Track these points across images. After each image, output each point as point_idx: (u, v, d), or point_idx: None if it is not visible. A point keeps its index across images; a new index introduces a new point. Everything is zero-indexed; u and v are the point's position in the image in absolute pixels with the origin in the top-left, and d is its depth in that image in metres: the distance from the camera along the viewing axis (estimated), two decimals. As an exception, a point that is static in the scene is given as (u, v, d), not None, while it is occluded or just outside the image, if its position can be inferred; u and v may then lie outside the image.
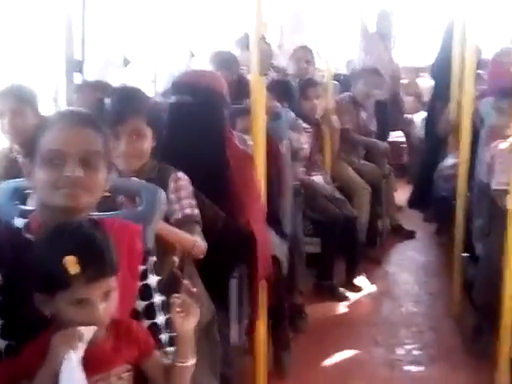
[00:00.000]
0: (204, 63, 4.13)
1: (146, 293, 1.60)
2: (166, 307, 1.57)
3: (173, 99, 2.54)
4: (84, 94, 2.97)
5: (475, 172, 3.56)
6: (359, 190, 4.63)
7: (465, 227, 3.72)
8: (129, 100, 2.24)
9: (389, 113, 5.85)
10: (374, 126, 5.14)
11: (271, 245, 2.84)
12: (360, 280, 4.34)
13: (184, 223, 2.20)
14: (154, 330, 1.59)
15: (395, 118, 6.42)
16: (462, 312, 3.70)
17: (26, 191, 1.70)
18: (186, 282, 1.56)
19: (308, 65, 4.83)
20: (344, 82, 5.29)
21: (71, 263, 1.33)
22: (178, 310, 1.46)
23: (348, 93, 5.04)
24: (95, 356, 1.39)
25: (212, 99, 2.51)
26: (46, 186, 1.47)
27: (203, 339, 2.19)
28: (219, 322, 2.33)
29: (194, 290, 1.52)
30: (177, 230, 2.14)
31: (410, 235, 5.36)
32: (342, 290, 4.18)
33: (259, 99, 2.56)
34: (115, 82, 3.47)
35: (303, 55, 4.85)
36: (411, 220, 5.60)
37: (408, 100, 7.21)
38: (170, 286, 1.67)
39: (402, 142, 7.04)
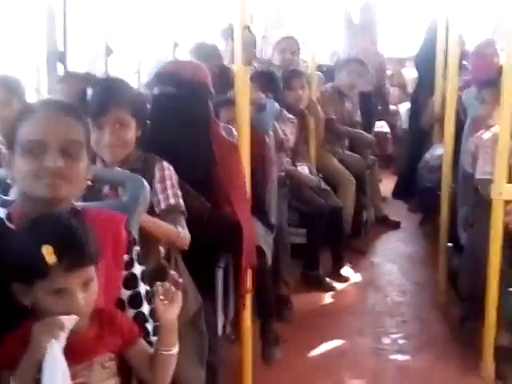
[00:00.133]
0: (186, 54, 4.11)
1: (131, 282, 1.59)
2: (152, 297, 1.56)
3: (156, 90, 2.52)
4: (68, 84, 2.95)
5: (459, 162, 3.58)
6: (344, 181, 4.64)
7: (449, 217, 3.74)
8: (111, 90, 2.23)
9: (373, 104, 5.86)
10: (358, 117, 5.14)
11: (256, 235, 2.84)
12: (345, 270, 4.35)
13: (168, 213, 2.19)
14: (140, 319, 1.59)
15: (381, 108, 6.45)
16: (447, 302, 3.73)
17: (8, 181, 1.68)
18: (172, 272, 1.56)
19: (293, 55, 4.81)
20: (328, 74, 5.28)
21: (48, 253, 1.32)
22: (161, 298, 1.46)
23: (332, 83, 5.03)
24: (78, 345, 1.38)
25: (196, 90, 2.50)
26: (27, 177, 1.45)
27: (190, 329, 2.20)
28: (206, 311, 2.33)
29: (181, 280, 1.51)
30: (160, 222, 2.13)
31: (395, 226, 5.38)
32: (328, 280, 4.19)
33: (243, 89, 2.54)
34: (99, 72, 3.44)
35: (288, 46, 4.82)
36: (396, 210, 5.63)
37: (393, 91, 7.24)
38: (156, 277, 1.67)
39: (387, 133, 7.05)
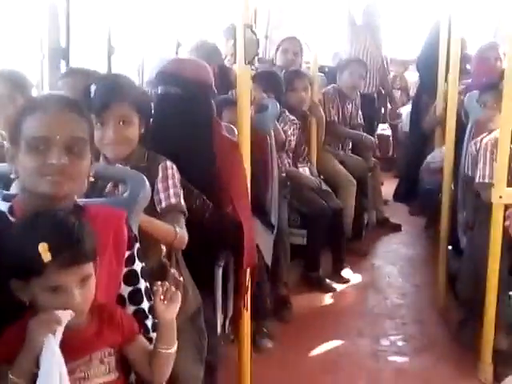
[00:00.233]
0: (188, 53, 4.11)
1: (131, 278, 1.59)
2: (152, 294, 1.56)
3: (160, 90, 2.52)
4: (71, 79, 2.94)
5: (460, 165, 3.58)
6: (344, 183, 4.63)
7: (450, 220, 3.74)
8: (115, 86, 2.22)
9: (376, 106, 5.85)
10: (360, 119, 5.13)
11: (255, 235, 2.84)
12: (346, 272, 4.36)
13: (169, 212, 2.18)
14: (140, 315, 1.59)
15: (383, 111, 6.44)
16: (447, 304, 3.73)
17: (11, 176, 1.68)
18: (173, 270, 1.56)
19: (295, 56, 4.80)
20: (329, 75, 5.28)
21: (44, 250, 1.33)
22: (160, 297, 1.46)
23: (334, 85, 5.03)
24: (77, 340, 1.39)
25: (200, 90, 2.49)
26: (32, 173, 1.45)
27: (189, 327, 2.20)
28: (205, 310, 2.33)
29: (181, 278, 1.52)
30: (157, 222, 2.11)
31: (396, 228, 5.38)
32: (328, 281, 4.19)
33: (245, 88, 2.53)
34: (102, 69, 3.44)
35: (291, 46, 4.82)
36: (397, 213, 5.63)
37: (395, 93, 7.23)
38: (157, 275, 1.67)
39: (389, 136, 7.05)
